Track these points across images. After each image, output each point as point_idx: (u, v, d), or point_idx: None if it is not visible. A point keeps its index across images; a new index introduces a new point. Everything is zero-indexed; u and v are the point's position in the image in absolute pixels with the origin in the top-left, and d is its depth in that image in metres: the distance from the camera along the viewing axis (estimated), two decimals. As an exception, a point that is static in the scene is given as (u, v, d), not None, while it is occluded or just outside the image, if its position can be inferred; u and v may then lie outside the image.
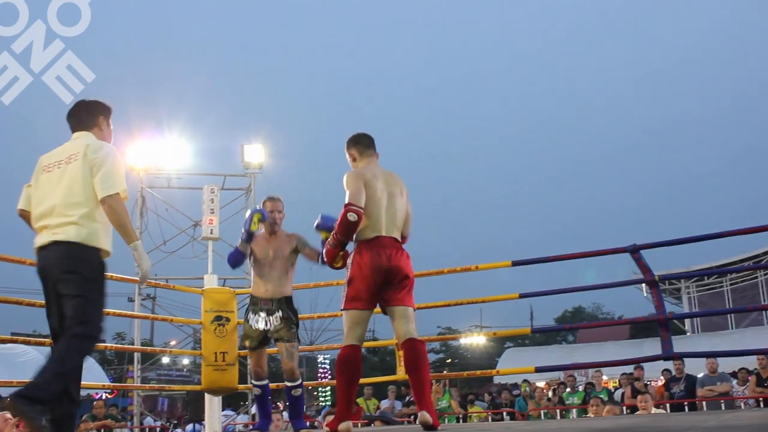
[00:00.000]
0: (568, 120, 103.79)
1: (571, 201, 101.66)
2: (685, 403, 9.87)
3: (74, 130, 3.92)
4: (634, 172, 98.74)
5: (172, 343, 23.53)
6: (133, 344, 15.98)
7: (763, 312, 25.71)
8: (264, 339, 5.53)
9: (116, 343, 28.76)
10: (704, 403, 9.81)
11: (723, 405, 9.71)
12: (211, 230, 11.82)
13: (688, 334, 25.72)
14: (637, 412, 8.70)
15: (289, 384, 5.49)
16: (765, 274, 26.52)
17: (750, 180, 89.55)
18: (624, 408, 10.13)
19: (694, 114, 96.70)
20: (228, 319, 7.17)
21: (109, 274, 3.86)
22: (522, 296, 6.42)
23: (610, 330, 28.03)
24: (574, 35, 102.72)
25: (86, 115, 3.93)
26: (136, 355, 14.74)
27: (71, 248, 3.59)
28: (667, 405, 9.90)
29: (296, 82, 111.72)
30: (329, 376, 33.32)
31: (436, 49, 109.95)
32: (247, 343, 5.58)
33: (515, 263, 6.27)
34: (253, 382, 5.75)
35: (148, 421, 15.72)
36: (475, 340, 30.11)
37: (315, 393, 30.08)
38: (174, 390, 16.97)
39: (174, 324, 13.58)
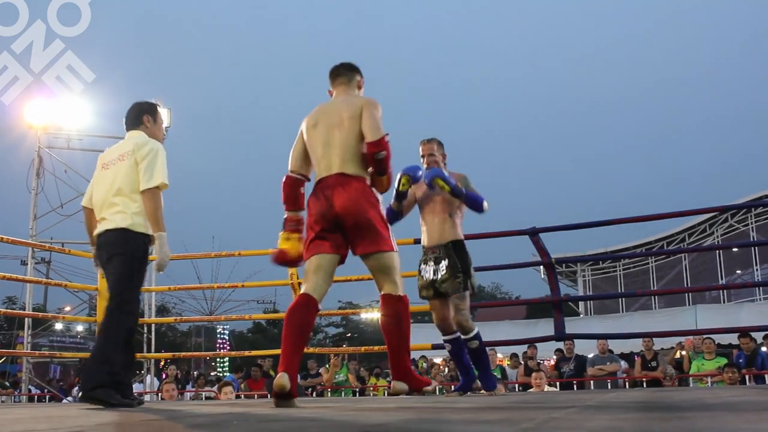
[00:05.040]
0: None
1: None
2: (574, 381, 10.23)
3: (127, 130, 4.41)
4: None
5: (67, 309, 22.87)
6: (24, 309, 15.46)
7: (652, 297, 26.88)
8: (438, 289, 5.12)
9: (6, 308, 27.78)
10: (592, 382, 10.20)
11: (609, 384, 10.13)
12: (112, 195, 11.48)
13: (582, 315, 26.63)
14: (530, 390, 8.98)
15: (463, 337, 5.09)
16: (655, 261, 27.73)
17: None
18: (516, 386, 10.44)
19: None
20: (125, 287, 7.01)
21: (2, 236, 3.83)
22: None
23: (507, 309, 28.79)
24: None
25: (133, 116, 4.42)
26: (27, 321, 14.28)
27: (117, 233, 4.11)
28: (557, 383, 10.25)
29: (205, 46, 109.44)
30: (227, 347, 33.06)
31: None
32: (423, 294, 5.19)
33: (417, 241, 6.27)
34: (442, 337, 5.18)
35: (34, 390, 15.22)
36: (374, 316, 30.23)
37: (213, 363, 29.76)
38: (66, 357, 16.52)
39: (69, 290, 13.20)
